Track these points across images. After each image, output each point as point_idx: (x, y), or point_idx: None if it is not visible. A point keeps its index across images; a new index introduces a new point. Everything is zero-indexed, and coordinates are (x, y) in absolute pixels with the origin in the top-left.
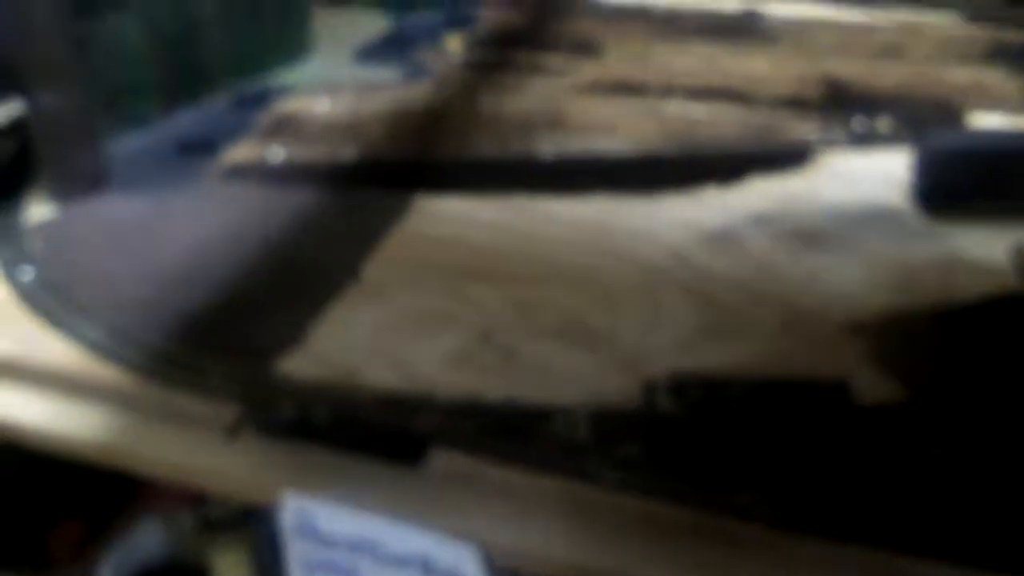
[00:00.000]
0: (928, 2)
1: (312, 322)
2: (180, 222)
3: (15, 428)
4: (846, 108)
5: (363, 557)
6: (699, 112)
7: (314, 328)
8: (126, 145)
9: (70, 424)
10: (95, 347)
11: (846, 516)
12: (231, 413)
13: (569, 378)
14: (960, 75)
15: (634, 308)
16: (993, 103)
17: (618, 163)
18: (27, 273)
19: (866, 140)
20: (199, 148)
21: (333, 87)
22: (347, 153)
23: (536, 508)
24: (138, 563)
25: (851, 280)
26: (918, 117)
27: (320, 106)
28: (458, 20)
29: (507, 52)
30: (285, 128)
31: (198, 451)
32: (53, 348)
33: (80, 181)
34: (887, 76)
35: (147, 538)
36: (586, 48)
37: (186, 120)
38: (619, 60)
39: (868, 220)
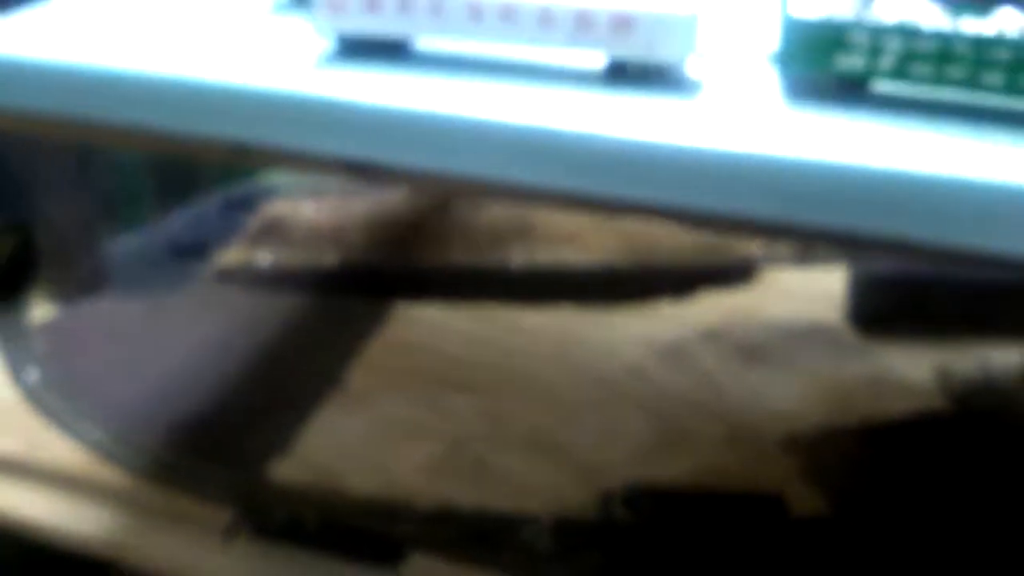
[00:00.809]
0: None
1: (299, 428)
2: (174, 325)
3: (21, 524)
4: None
5: None
6: (655, 227)
7: (302, 434)
8: (122, 247)
9: (74, 522)
10: (99, 449)
11: None
12: (227, 516)
13: (534, 489)
14: None
15: (593, 421)
16: None
17: (581, 275)
18: (32, 374)
19: (806, 259)
20: (191, 250)
21: (317, 190)
22: (330, 259)
23: None
24: None
25: (788, 396)
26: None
27: (305, 210)
28: None
29: None
30: (272, 232)
31: (196, 553)
32: (58, 448)
33: (81, 283)
34: None
35: None
36: None
37: (179, 223)
38: None
39: (806, 337)
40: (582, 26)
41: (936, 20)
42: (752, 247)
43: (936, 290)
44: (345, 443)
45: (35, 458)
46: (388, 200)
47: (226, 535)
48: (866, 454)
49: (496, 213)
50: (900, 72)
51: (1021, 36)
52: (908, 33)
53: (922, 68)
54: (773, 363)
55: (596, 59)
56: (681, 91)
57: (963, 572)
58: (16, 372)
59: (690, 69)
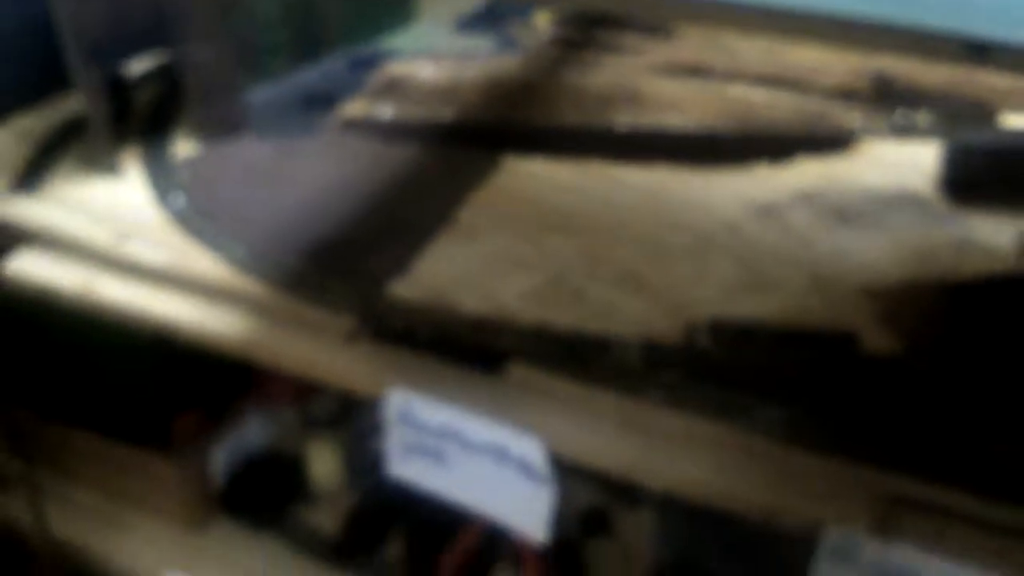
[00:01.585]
0: None
1: (415, 255)
2: (304, 165)
3: (173, 325)
4: (890, 101)
5: (450, 443)
6: (758, 96)
7: (416, 260)
8: (258, 96)
9: (218, 325)
10: (238, 263)
11: (840, 438)
12: (349, 323)
13: (625, 317)
14: (998, 79)
15: (684, 265)
16: None
17: (682, 138)
18: (179, 200)
19: (905, 131)
20: (320, 102)
21: (435, 54)
22: (446, 114)
23: (593, 416)
24: (245, 450)
25: (874, 253)
26: (955, 114)
27: (424, 71)
28: None
29: (589, 31)
30: (393, 89)
31: (322, 352)
32: (203, 262)
33: (222, 125)
34: (931, 74)
35: (254, 429)
36: (661, 31)
37: (309, 77)
38: (689, 44)
39: (897, 203)
40: None
41: None
42: (852, 118)
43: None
44: (455, 270)
45: (184, 269)
46: (501, 63)
47: (349, 338)
48: (942, 305)
49: (604, 79)
50: None
51: None
52: None
53: None
54: (862, 224)
55: None
56: None
57: (1012, 422)
58: (163, 197)
59: None
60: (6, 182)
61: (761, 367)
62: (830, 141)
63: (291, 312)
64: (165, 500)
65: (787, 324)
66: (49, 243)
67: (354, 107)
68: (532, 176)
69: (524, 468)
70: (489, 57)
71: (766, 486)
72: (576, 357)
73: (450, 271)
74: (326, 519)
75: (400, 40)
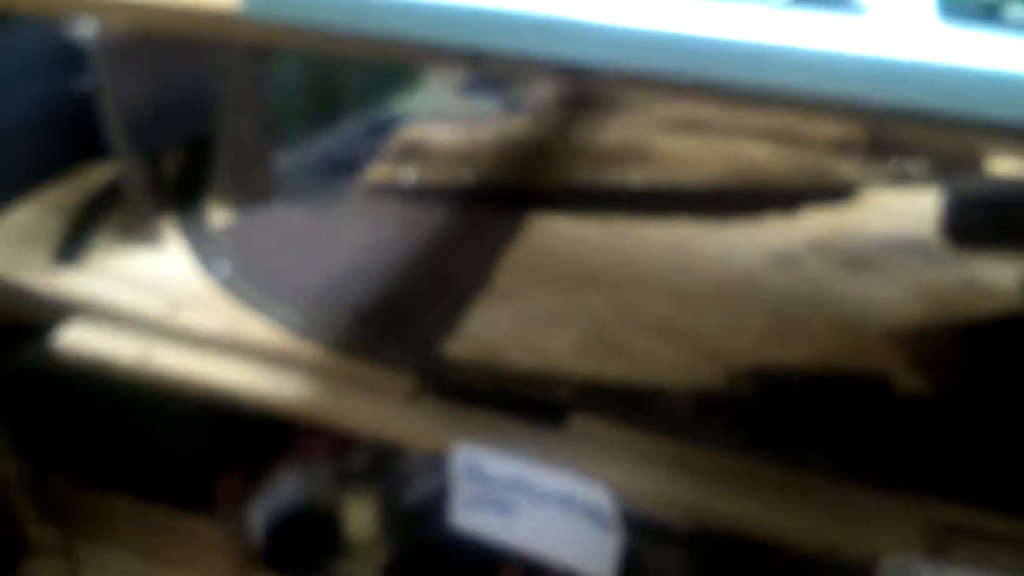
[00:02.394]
0: None
1: (460, 316)
2: (337, 229)
3: (234, 393)
4: (884, 152)
5: (517, 494)
6: (759, 151)
7: (462, 321)
8: (283, 163)
9: (281, 390)
10: (292, 327)
11: (888, 473)
12: (409, 383)
13: (668, 367)
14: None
15: (714, 315)
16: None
17: (695, 193)
18: (224, 268)
19: (901, 181)
20: (342, 166)
21: (446, 116)
22: (467, 177)
23: (651, 461)
24: (282, 506)
25: (890, 298)
26: (946, 163)
27: (438, 134)
28: None
29: (590, 88)
30: (412, 153)
31: (387, 412)
32: (257, 327)
33: (254, 192)
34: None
35: (291, 485)
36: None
37: (328, 143)
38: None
39: (903, 249)
40: None
41: None
42: (852, 169)
43: (1019, 207)
44: (500, 328)
45: (239, 336)
46: (512, 124)
47: (412, 397)
48: (960, 345)
49: (614, 137)
50: None
51: None
52: None
53: None
54: (873, 270)
55: None
56: (854, 11)
57: None
58: (207, 266)
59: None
60: (46, 255)
61: (805, 410)
62: (834, 192)
63: (351, 374)
64: (207, 560)
65: (822, 369)
66: (99, 315)
67: (377, 172)
68: (557, 234)
69: (592, 515)
70: (498, 118)
71: (821, 521)
72: (630, 407)
73: (496, 329)
74: (363, 571)
75: (409, 103)
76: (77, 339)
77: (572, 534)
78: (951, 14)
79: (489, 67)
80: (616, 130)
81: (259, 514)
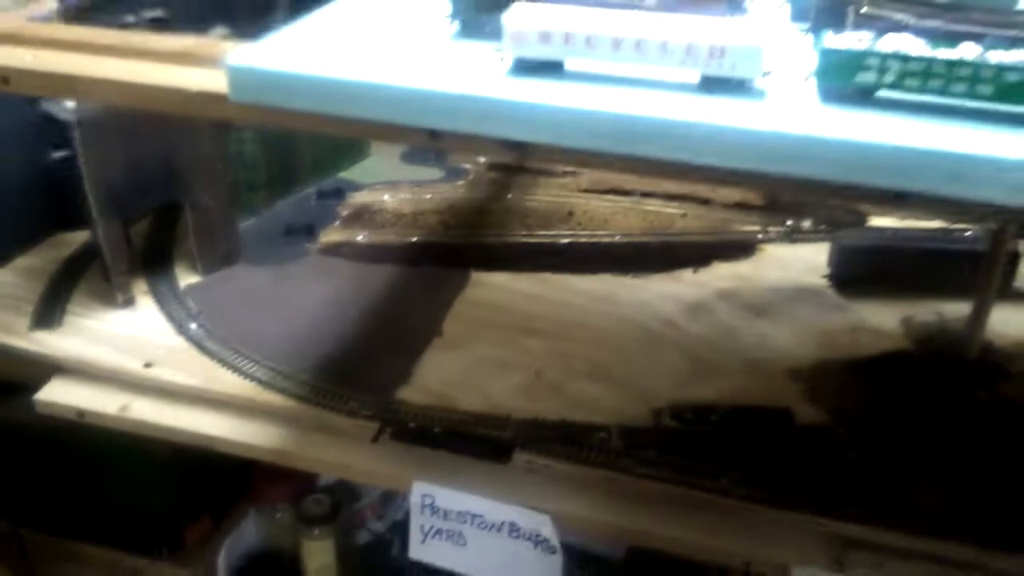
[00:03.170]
0: None
1: (413, 364)
2: (297, 289)
3: (208, 439)
4: (780, 211)
5: (470, 526)
6: (673, 211)
7: (416, 369)
8: (246, 229)
9: (252, 437)
10: (259, 381)
11: (793, 494)
12: (370, 427)
13: (600, 406)
14: None
15: (639, 358)
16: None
17: (617, 249)
18: (193, 327)
19: (796, 236)
20: (299, 231)
21: (392, 183)
22: (414, 237)
23: (588, 491)
24: (245, 550)
25: (789, 340)
26: (834, 218)
27: (387, 198)
28: None
29: (525, 157)
30: (363, 217)
31: (351, 455)
32: (228, 380)
33: (221, 255)
34: None
35: (253, 529)
36: None
37: (286, 209)
38: None
39: (798, 297)
40: (689, 54)
41: (921, 50)
42: (753, 227)
43: (898, 257)
44: (450, 374)
45: (209, 389)
46: (452, 189)
47: (374, 440)
48: (850, 380)
49: (545, 200)
50: (897, 84)
51: (976, 60)
52: (903, 59)
53: (912, 81)
54: (774, 315)
55: (695, 75)
56: (753, 96)
57: (925, 470)
58: (178, 326)
59: (759, 83)
60: (24, 319)
61: (720, 441)
62: (738, 247)
63: (315, 420)
64: None
65: (733, 403)
66: (78, 373)
67: (331, 234)
68: (498, 287)
69: (536, 542)
70: (440, 184)
71: (738, 538)
72: (567, 443)
73: (446, 375)
74: None
75: (358, 171)
76: (58, 396)
77: (520, 560)
78: (831, 98)
79: (446, 143)
80: (547, 193)
81: (224, 558)
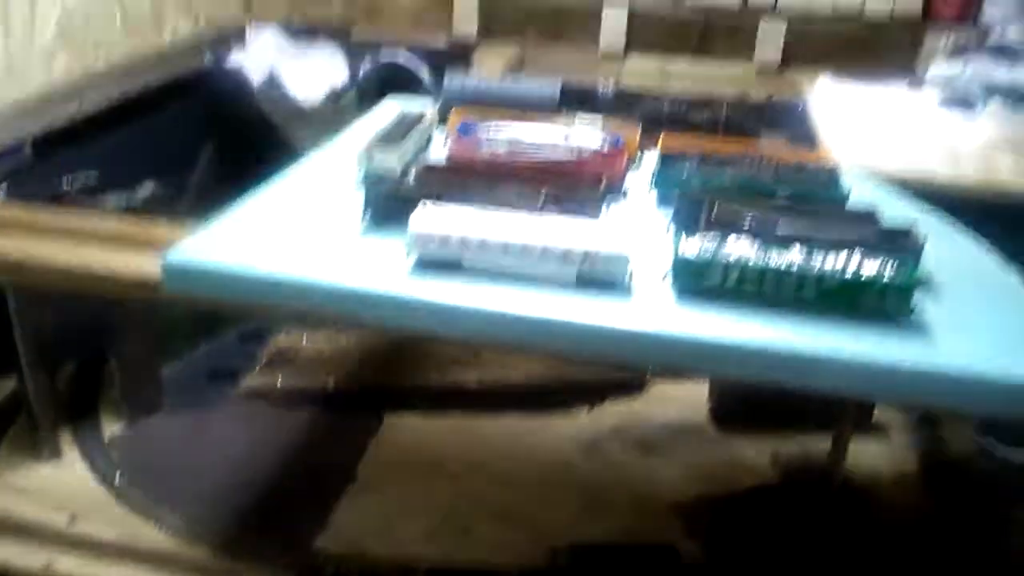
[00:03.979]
0: None
1: (329, 511)
2: (218, 437)
3: None
4: None
5: None
6: None
7: (332, 515)
8: (169, 376)
9: None
10: (180, 533)
11: None
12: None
13: (503, 547)
14: None
15: (538, 498)
16: None
17: (520, 391)
18: (118, 478)
19: (680, 375)
20: (221, 376)
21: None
22: (330, 382)
23: None
24: None
25: (673, 477)
26: None
27: (305, 343)
28: None
29: None
30: (282, 360)
31: None
32: (150, 533)
33: (145, 405)
34: None
35: None
36: None
37: (209, 354)
38: None
39: (683, 433)
40: (566, 258)
41: (757, 257)
42: None
43: (768, 395)
44: (364, 520)
45: (132, 542)
46: (369, 331)
47: None
48: (728, 516)
49: (454, 344)
50: (738, 287)
51: (799, 268)
52: (741, 267)
53: (749, 285)
54: (660, 452)
55: (571, 274)
56: (619, 294)
57: None
58: (102, 477)
59: (624, 281)
60: None
61: None
62: (630, 385)
63: (234, 572)
64: None
65: (623, 541)
66: (4, 529)
67: (251, 380)
68: (411, 430)
69: None
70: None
71: None
72: None
73: (360, 521)
74: None
75: None
76: None
77: None
78: (685, 296)
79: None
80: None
81: None
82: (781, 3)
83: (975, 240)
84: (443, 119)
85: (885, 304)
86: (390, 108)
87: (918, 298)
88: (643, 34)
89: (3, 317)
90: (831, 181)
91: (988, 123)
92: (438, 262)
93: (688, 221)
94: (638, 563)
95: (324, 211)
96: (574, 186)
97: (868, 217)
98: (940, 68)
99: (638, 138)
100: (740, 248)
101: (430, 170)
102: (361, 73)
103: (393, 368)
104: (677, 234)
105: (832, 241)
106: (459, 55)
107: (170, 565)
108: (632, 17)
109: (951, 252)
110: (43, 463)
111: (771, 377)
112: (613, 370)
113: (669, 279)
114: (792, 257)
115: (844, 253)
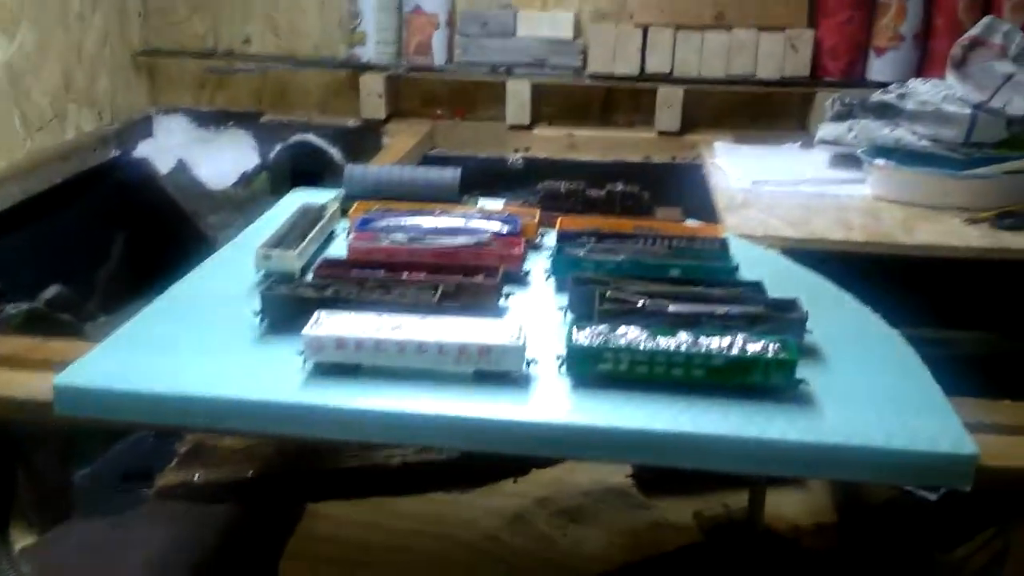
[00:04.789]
0: None
1: None
2: (134, 541)
3: None
4: None
5: None
6: None
7: None
8: (81, 480)
9: None
10: None
11: None
12: None
13: None
14: None
15: None
16: None
17: (445, 467)
18: None
19: None
20: (135, 475)
21: None
22: (248, 472)
23: None
24: None
25: (599, 543)
26: None
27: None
28: None
29: None
30: (199, 454)
31: None
32: None
33: (55, 514)
34: None
35: None
36: None
37: (122, 453)
38: None
39: (608, 498)
40: (463, 354)
41: (646, 342)
42: None
43: None
44: None
45: None
46: None
47: None
48: None
49: None
50: (630, 372)
51: (688, 348)
52: (631, 351)
53: (641, 368)
54: (587, 518)
55: (468, 369)
56: (517, 386)
57: None
58: None
59: (521, 372)
60: None
61: None
62: None
63: None
64: None
65: None
66: None
67: (166, 478)
68: (333, 518)
69: None
70: None
71: None
72: None
73: None
74: None
75: None
76: None
77: None
78: (580, 383)
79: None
80: None
81: None
82: (677, 70)
83: (859, 304)
84: (345, 212)
85: (770, 379)
86: (293, 201)
87: (804, 370)
88: (548, 105)
89: None
90: (721, 253)
91: (874, 180)
92: (335, 366)
93: (581, 308)
94: None
95: (220, 318)
96: (472, 275)
97: (754, 290)
98: (828, 128)
99: (537, 220)
100: (631, 333)
101: (329, 267)
102: (272, 154)
103: (313, 454)
104: (571, 322)
105: (720, 318)
106: (370, 132)
107: None
108: (536, 88)
109: (837, 318)
110: None
111: (665, 462)
112: None
113: (564, 367)
114: (681, 339)
115: (731, 332)
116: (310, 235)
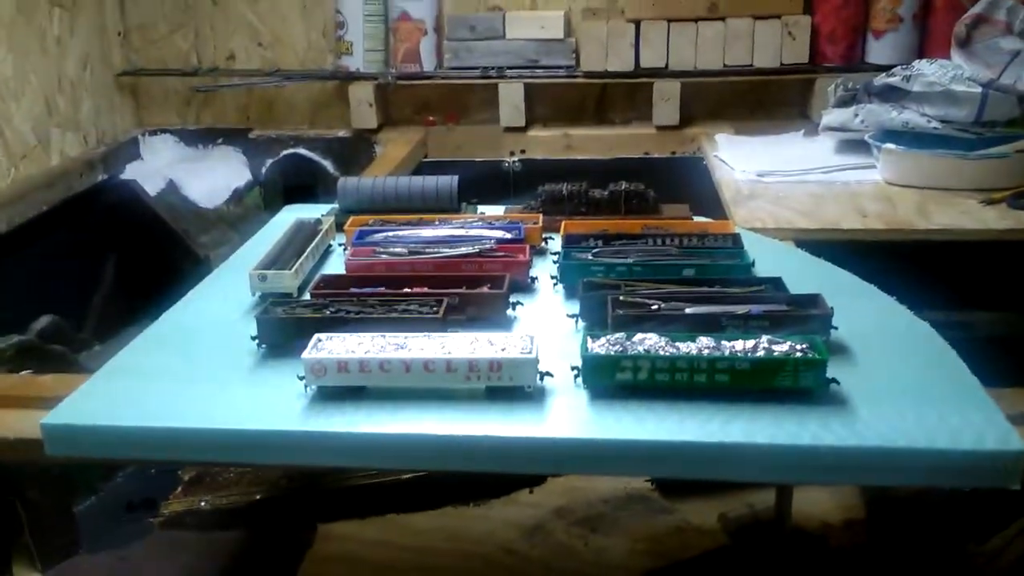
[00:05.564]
0: None
1: None
2: (142, 571)
3: None
4: None
5: None
6: None
7: None
8: (85, 512)
9: None
10: None
11: None
12: None
13: None
14: None
15: None
16: None
17: (458, 479)
18: None
19: None
20: (139, 505)
21: None
22: (256, 494)
23: None
24: None
25: (622, 551)
26: None
27: None
28: None
29: None
30: (204, 479)
31: None
32: None
33: (59, 551)
34: None
35: None
36: None
37: (125, 483)
38: None
39: (628, 504)
40: (472, 370)
41: (666, 348)
42: None
43: None
44: None
45: None
46: None
47: None
48: None
49: None
50: (650, 380)
51: (711, 352)
52: (651, 359)
53: (662, 376)
54: (607, 525)
55: (480, 386)
56: (532, 401)
57: None
58: None
59: (535, 386)
60: None
61: None
62: None
63: None
64: None
65: None
66: None
67: (172, 505)
68: (346, 539)
69: None
70: None
71: None
72: None
73: None
74: None
75: None
76: None
77: None
78: (598, 394)
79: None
80: None
81: None
82: (672, 63)
83: (883, 295)
84: (340, 226)
85: (800, 381)
86: (287, 218)
87: (833, 369)
88: (542, 106)
89: None
90: (735, 249)
91: (885, 165)
92: (338, 390)
93: (593, 315)
94: None
95: (216, 345)
96: (477, 287)
97: (774, 287)
98: (833, 115)
99: (540, 225)
100: (649, 340)
101: (327, 285)
102: (263, 169)
103: (321, 473)
104: (584, 330)
105: (741, 319)
106: (362, 142)
107: None
108: (529, 90)
109: (862, 310)
110: None
111: (695, 474)
112: None
113: (580, 379)
114: (702, 343)
115: (754, 333)
116: (306, 252)
